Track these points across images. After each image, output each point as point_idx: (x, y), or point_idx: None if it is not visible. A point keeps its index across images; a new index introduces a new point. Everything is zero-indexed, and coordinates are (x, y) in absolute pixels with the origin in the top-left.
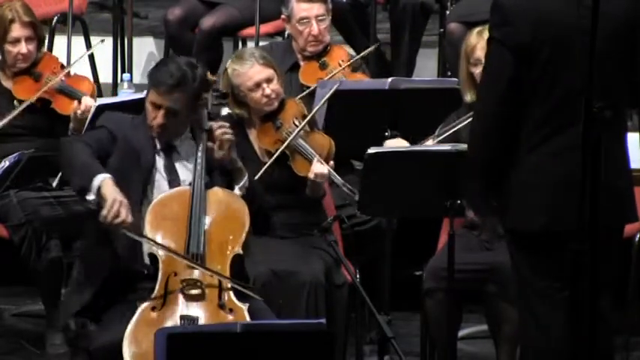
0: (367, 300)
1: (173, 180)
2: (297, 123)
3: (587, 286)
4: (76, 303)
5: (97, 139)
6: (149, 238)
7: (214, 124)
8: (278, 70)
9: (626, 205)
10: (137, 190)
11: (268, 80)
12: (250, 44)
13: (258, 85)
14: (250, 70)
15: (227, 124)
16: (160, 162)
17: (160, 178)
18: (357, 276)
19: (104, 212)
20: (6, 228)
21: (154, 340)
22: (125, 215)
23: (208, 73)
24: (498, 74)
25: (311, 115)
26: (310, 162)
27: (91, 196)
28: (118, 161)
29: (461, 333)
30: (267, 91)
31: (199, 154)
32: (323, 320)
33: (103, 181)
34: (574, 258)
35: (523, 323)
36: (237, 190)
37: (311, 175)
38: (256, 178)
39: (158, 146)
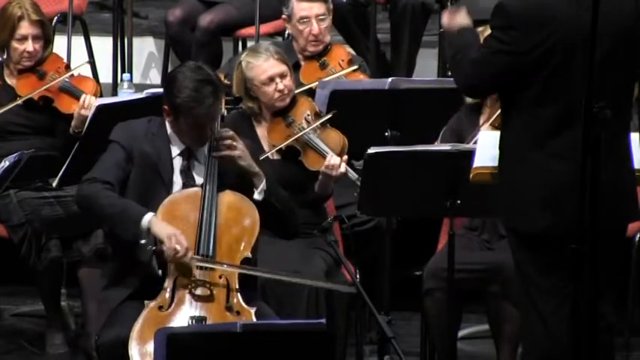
0: (367, 300)
1: (188, 184)
2: (308, 120)
3: (588, 286)
4: (114, 302)
5: (114, 164)
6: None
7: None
8: (290, 67)
9: (628, 205)
10: (162, 200)
11: (282, 76)
12: (250, 44)
13: (271, 79)
14: (265, 64)
15: (229, 133)
16: (177, 166)
17: (177, 182)
18: (357, 276)
19: (167, 254)
20: (6, 228)
21: (154, 340)
22: (186, 244)
23: (222, 76)
24: (493, 62)
25: (331, 114)
26: (324, 157)
27: (143, 241)
28: (139, 177)
29: (461, 333)
30: (281, 86)
31: (210, 157)
32: (323, 320)
33: (150, 221)
34: (574, 259)
35: (525, 323)
36: (257, 195)
37: (325, 167)
38: (261, 158)
39: (174, 153)
